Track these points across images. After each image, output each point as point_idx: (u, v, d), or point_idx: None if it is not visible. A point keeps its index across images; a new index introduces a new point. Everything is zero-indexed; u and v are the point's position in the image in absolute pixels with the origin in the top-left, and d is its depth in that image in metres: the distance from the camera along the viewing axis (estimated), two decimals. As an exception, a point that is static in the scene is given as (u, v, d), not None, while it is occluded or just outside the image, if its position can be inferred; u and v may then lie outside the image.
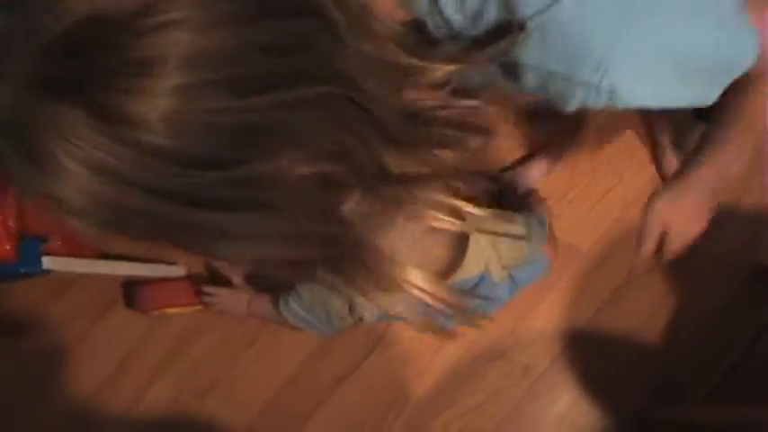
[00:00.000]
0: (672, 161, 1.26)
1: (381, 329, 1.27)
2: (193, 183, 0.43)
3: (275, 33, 0.44)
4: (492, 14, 0.57)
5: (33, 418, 1.31)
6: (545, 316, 1.26)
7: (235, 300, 1.23)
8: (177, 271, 1.28)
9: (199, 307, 1.27)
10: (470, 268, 0.89)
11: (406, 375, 1.28)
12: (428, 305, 0.65)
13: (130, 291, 1.29)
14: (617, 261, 1.28)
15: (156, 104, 0.41)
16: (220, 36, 0.42)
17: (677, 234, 0.80)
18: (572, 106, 0.60)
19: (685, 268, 1.16)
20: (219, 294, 1.24)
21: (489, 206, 0.86)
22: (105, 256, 1.22)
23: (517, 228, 0.97)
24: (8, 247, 1.07)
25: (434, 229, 0.64)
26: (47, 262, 1.13)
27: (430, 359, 1.28)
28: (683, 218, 0.80)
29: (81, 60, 0.41)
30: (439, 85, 0.56)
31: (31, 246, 1.12)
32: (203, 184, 0.44)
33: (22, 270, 1.12)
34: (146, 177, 0.43)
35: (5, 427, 1.32)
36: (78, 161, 0.42)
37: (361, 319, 0.96)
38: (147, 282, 1.27)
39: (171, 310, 1.27)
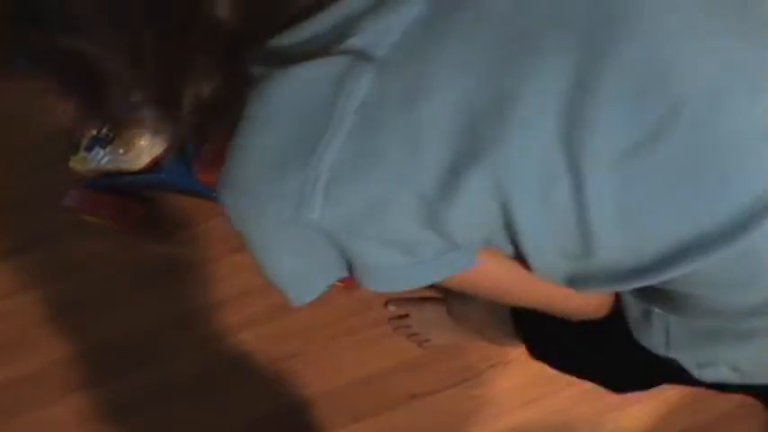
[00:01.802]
0: None
1: (482, 367, 1.28)
2: None
3: None
4: None
5: (128, 307, 1.38)
6: (634, 416, 1.25)
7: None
8: None
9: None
10: None
11: (476, 418, 1.29)
12: None
13: None
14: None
15: None
16: None
17: None
18: None
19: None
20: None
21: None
22: None
23: None
24: None
25: None
26: None
27: (505, 412, 1.28)
28: None
29: None
30: None
31: None
32: None
33: (214, 195, 1.11)
34: None
35: (97, 321, 1.39)
36: None
37: None
38: None
39: None
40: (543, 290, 0.65)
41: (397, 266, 0.56)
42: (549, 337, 0.86)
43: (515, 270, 0.60)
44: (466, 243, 0.56)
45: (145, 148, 1.15)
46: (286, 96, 0.52)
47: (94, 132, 1.27)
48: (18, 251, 1.44)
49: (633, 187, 0.52)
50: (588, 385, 1.24)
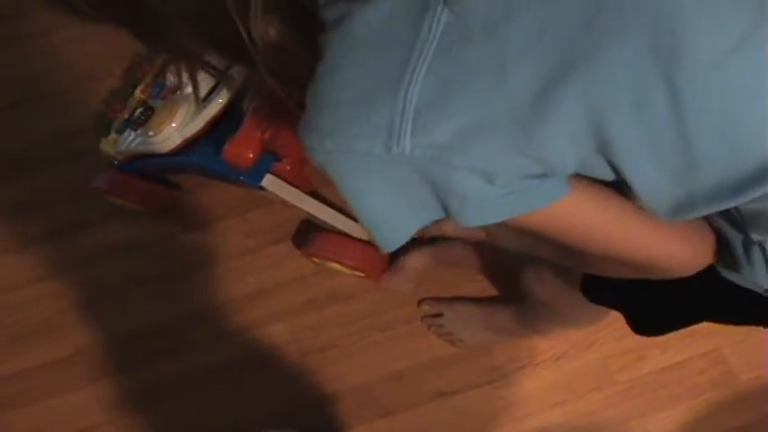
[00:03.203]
0: None
1: (511, 368, 1.30)
2: None
3: None
4: None
5: (158, 296, 1.40)
6: (660, 423, 1.26)
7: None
8: (361, 232, 1.29)
9: (360, 273, 1.28)
10: None
11: (501, 418, 1.29)
12: None
13: (306, 231, 1.33)
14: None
15: None
16: None
17: None
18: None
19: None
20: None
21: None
22: (313, 195, 1.27)
23: None
24: (251, 155, 1.09)
25: None
26: (267, 180, 1.16)
27: (532, 414, 1.29)
28: None
29: None
30: None
31: (264, 160, 1.13)
32: None
33: (241, 178, 1.13)
34: None
35: (126, 309, 1.40)
36: None
37: None
38: (325, 230, 1.29)
39: (333, 265, 1.29)
40: (636, 233, 0.62)
41: (490, 198, 0.55)
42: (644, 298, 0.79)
43: (609, 208, 0.60)
44: (560, 168, 0.56)
45: (175, 131, 1.15)
46: (368, 24, 0.53)
47: (127, 115, 1.28)
48: (48, 237, 1.45)
49: (729, 91, 0.52)
50: (615, 389, 1.27)
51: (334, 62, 0.54)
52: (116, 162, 1.33)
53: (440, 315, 1.29)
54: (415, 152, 0.52)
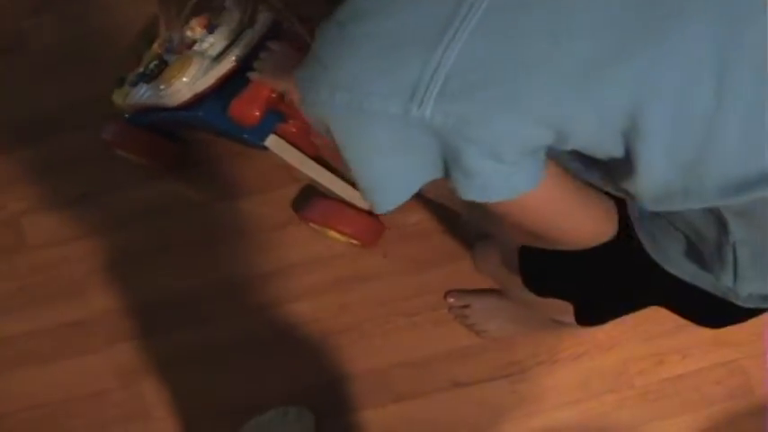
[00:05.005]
0: None
1: (529, 363, 1.31)
2: None
3: None
4: None
5: (185, 265, 1.41)
6: (676, 427, 1.26)
7: None
8: (362, 201, 1.27)
9: (355, 242, 1.31)
10: None
11: (514, 412, 1.30)
12: None
13: (307, 197, 1.34)
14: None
15: None
16: None
17: None
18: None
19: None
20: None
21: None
22: (315, 160, 1.26)
23: None
24: (257, 114, 1.10)
25: None
26: (270, 140, 1.17)
27: (544, 410, 1.30)
28: None
29: None
30: None
31: (269, 119, 1.14)
32: None
33: (245, 135, 1.15)
34: None
35: (152, 276, 1.41)
36: None
37: None
38: (325, 196, 1.29)
39: (330, 233, 1.31)
40: (584, 219, 0.65)
41: (493, 176, 0.53)
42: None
43: (575, 193, 0.63)
44: (571, 141, 0.53)
45: (185, 85, 1.16)
46: None
47: (141, 69, 1.28)
48: (79, 199, 1.47)
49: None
50: (631, 392, 1.28)
51: (361, 8, 0.50)
52: (126, 115, 1.33)
53: (467, 307, 1.30)
54: (434, 118, 0.48)
